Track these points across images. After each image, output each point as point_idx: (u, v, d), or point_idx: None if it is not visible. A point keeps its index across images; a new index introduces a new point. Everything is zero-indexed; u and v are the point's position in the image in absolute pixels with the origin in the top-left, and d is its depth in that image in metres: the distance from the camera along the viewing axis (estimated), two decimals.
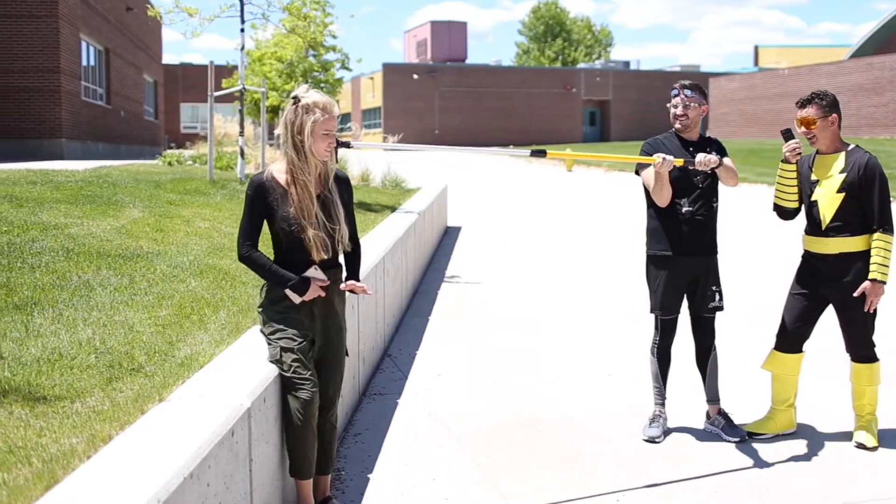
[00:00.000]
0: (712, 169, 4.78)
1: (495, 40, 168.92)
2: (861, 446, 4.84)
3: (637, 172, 5.13)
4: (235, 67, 18.40)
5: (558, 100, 60.67)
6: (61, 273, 5.42)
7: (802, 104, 4.92)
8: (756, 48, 72.48)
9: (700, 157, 4.70)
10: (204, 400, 3.16)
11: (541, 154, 4.92)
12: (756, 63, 68.36)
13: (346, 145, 4.15)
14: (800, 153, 4.90)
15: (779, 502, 4.19)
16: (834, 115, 4.87)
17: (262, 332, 3.77)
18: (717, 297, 5.07)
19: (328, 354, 3.83)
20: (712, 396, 5.13)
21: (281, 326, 3.65)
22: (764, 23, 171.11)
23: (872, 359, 4.94)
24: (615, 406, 5.60)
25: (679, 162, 4.67)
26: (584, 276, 10.51)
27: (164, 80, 40.77)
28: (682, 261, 4.96)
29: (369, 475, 4.51)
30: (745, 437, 4.98)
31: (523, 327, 7.74)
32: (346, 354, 3.96)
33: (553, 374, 6.36)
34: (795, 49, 70.94)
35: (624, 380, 6.15)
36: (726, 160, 4.91)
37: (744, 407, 5.46)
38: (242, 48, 11.22)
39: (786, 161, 4.95)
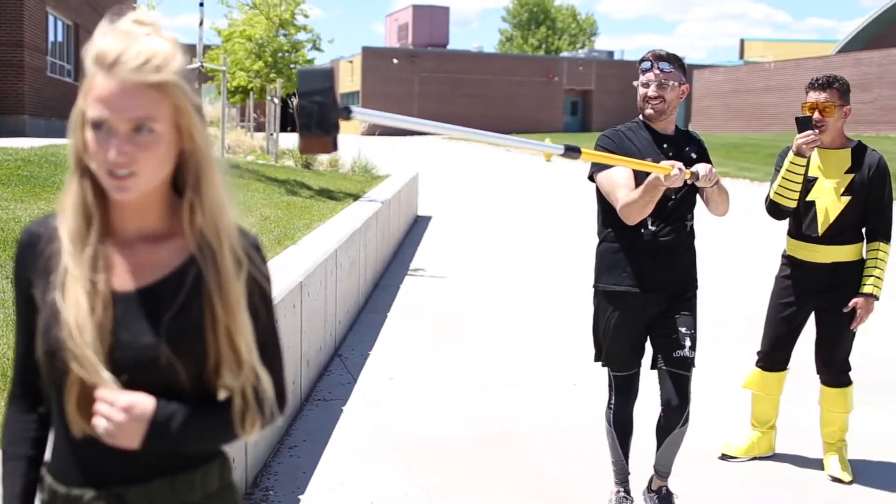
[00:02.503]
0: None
1: (479, 27, 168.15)
2: (836, 480, 4.33)
3: (591, 177, 3.70)
4: (208, 47, 17.80)
5: (540, 88, 60.16)
6: None
7: (821, 86, 4.21)
8: (742, 41, 72.13)
9: (703, 169, 3.38)
10: None
11: (574, 153, 2.49)
12: (742, 56, 68.08)
13: (346, 112, 1.95)
14: (816, 145, 4.16)
15: None
16: (849, 105, 4.26)
17: None
18: (687, 345, 3.63)
19: None
20: (662, 470, 3.86)
21: None
22: (751, 16, 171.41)
23: (846, 382, 4.42)
24: (581, 419, 5.13)
25: (688, 174, 3.31)
26: (557, 274, 10.03)
27: None
28: (643, 298, 3.64)
29: (300, 496, 4.03)
30: None
31: (487, 327, 7.26)
32: None
33: (515, 382, 5.88)
34: (782, 43, 70.73)
35: (590, 390, 5.66)
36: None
37: (719, 427, 5.01)
38: (201, 23, 10.65)
39: (799, 154, 4.16)
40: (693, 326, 3.69)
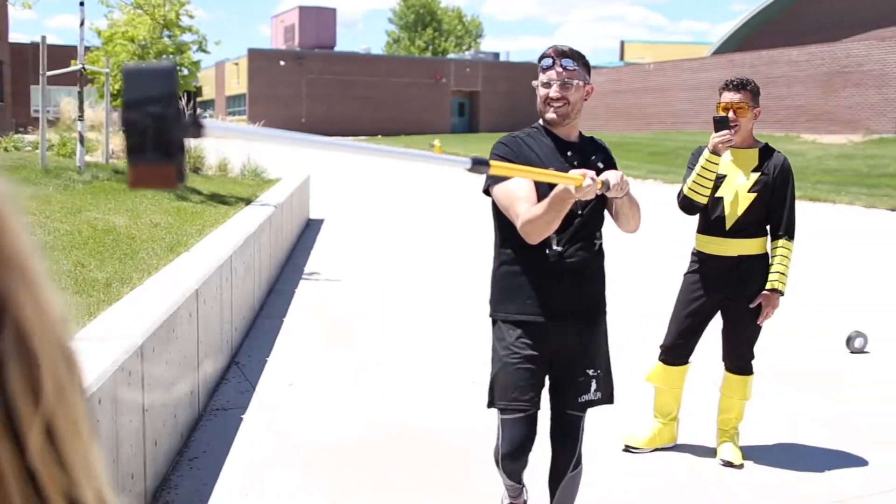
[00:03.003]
0: (613, 196, 3.07)
1: (366, 28, 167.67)
2: (728, 464, 4.53)
3: (487, 191, 3.25)
4: (88, 48, 17.23)
5: (428, 90, 60.37)
6: None
7: (735, 87, 4.36)
8: (622, 43, 73.84)
9: (613, 177, 2.92)
10: None
11: (482, 166, 2.02)
12: (622, 58, 69.73)
13: (197, 128, 1.07)
14: (731, 145, 4.30)
15: None
16: (759, 108, 4.43)
17: None
18: (593, 386, 3.27)
19: None
20: None
21: None
22: (629, 19, 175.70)
23: (748, 371, 4.64)
24: (482, 418, 5.18)
25: (599, 184, 2.82)
26: (453, 274, 10.10)
27: (10, 61, 38.39)
28: (549, 328, 3.21)
29: None
30: None
31: (382, 330, 7.26)
32: None
33: (415, 383, 5.90)
34: (660, 45, 72.78)
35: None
36: None
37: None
38: (82, 24, 10.31)
39: (715, 152, 4.29)
40: (602, 364, 3.32)
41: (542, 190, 3.07)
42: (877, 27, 35.15)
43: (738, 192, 4.44)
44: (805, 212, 16.24)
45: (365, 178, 22.73)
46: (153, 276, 5.33)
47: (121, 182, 10.09)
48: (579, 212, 3.18)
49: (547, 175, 2.75)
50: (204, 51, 16.42)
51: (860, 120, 29.03)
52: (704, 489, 4.30)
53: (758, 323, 4.48)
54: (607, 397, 3.36)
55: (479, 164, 2.02)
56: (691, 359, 4.75)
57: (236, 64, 58.48)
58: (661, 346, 4.74)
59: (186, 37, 16.17)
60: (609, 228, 3.38)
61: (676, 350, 4.68)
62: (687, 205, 4.51)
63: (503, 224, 3.24)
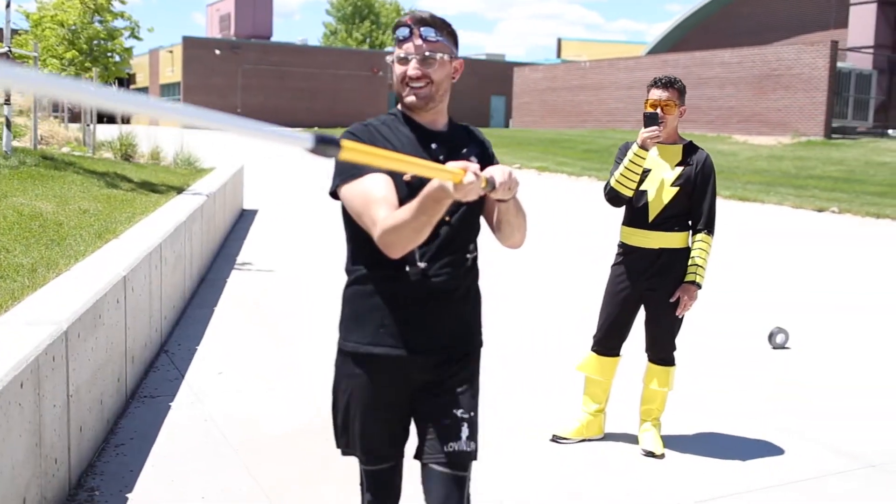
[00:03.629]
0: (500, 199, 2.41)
1: (302, 18, 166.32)
2: (650, 454, 4.65)
3: (334, 193, 2.58)
4: (16, 32, 16.84)
5: (364, 82, 60.28)
6: None
7: (663, 85, 4.48)
8: (559, 41, 74.68)
9: (499, 174, 2.26)
10: None
11: (332, 147, 1.56)
12: (559, 55, 70.45)
13: None
14: (658, 140, 4.44)
15: None
16: (685, 106, 4.56)
17: None
18: (465, 434, 2.59)
19: None
20: None
21: None
22: (566, 16, 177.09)
23: (670, 362, 4.77)
24: None
25: (483, 182, 2.16)
26: None
27: None
28: (408, 363, 2.60)
29: (128, 494, 3.93)
30: None
31: (312, 320, 7.26)
32: None
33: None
34: (596, 44, 73.76)
35: None
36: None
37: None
38: (8, 5, 10.08)
39: (643, 147, 4.42)
40: (474, 406, 2.66)
41: (404, 192, 2.46)
42: (806, 32, 36.09)
43: (661, 186, 4.55)
44: (734, 211, 16.67)
45: (300, 170, 22.59)
46: (80, 263, 5.27)
47: (49, 168, 9.89)
48: (446, 218, 2.53)
49: (417, 165, 2.00)
50: (136, 37, 16.19)
51: (789, 122, 29.75)
52: (626, 478, 4.40)
53: (676, 314, 4.61)
54: (475, 451, 2.64)
55: (324, 144, 1.55)
56: (623, 352, 4.86)
57: (171, 52, 57.64)
58: (594, 337, 4.84)
59: (118, 22, 15.92)
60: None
61: (607, 341, 4.77)
62: (613, 197, 4.61)
63: (355, 233, 2.60)
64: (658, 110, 4.47)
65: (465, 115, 61.91)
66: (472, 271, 2.70)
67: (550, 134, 36.17)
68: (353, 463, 4.06)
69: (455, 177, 2.09)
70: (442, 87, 2.59)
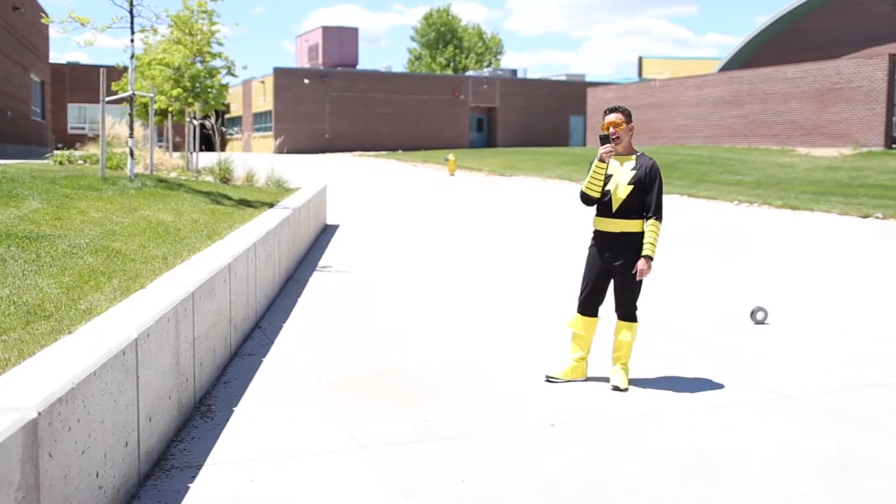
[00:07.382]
0: None
1: (388, 43, 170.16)
2: (616, 388, 6.20)
3: None
4: (125, 69, 19.17)
5: (447, 106, 62.32)
6: None
7: (612, 110, 6.15)
8: (640, 59, 75.31)
9: None
10: (101, 333, 4.29)
11: None
12: (640, 74, 71.24)
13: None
14: (613, 154, 6.07)
15: (564, 421, 5.55)
16: (632, 124, 6.22)
17: None
18: None
19: None
20: None
21: None
22: (653, 32, 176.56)
23: (634, 319, 6.33)
24: (447, 361, 6.90)
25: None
26: (452, 270, 11.83)
27: (50, 80, 40.57)
28: None
29: (234, 408, 5.66)
30: None
31: (379, 304, 8.97)
32: None
33: (401, 335, 7.62)
34: (677, 61, 74.02)
35: (461, 337, 7.45)
36: None
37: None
38: (132, 57, 12.15)
39: (601, 160, 6.07)
40: None
41: None
42: (872, 45, 36.61)
43: (621, 186, 6.16)
44: (782, 220, 17.84)
45: (380, 189, 24.49)
46: (197, 255, 7.08)
47: (164, 189, 11.91)
48: None
49: None
50: (232, 74, 18.31)
51: (850, 134, 30.53)
52: (598, 405, 5.97)
53: (637, 280, 6.18)
54: None
55: None
56: (601, 316, 6.45)
57: (262, 82, 60.64)
58: (578, 300, 6.44)
59: (217, 62, 18.08)
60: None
61: (586, 305, 6.37)
62: (585, 198, 6.25)
63: None
64: (610, 130, 6.11)
65: (546, 135, 63.40)
66: None
67: None
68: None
69: None
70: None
